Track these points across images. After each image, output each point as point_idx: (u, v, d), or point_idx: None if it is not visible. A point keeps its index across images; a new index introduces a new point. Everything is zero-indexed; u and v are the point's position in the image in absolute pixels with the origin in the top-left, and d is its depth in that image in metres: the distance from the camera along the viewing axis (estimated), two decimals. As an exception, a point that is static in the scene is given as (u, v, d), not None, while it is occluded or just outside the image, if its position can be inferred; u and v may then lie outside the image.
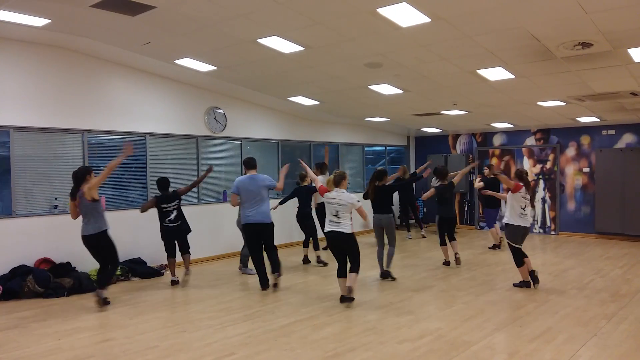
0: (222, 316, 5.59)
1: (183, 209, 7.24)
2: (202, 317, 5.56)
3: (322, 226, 9.41)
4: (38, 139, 7.03)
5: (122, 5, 5.31)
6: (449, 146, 13.82)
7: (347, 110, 10.99)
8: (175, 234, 7.06)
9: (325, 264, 8.41)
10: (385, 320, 5.43)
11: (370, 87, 8.44)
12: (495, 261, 8.49)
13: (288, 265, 8.43)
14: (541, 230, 12.13)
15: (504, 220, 6.80)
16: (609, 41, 5.68)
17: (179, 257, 7.17)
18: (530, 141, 12.35)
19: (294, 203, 8.73)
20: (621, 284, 6.91)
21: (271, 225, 6.74)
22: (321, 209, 8.81)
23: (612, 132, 11.18)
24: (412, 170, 13.76)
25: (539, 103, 9.22)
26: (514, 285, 6.79)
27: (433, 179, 12.08)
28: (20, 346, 4.70)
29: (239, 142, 9.74)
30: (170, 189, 7.12)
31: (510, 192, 6.68)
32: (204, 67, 7.61)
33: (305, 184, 8.52)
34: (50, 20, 5.92)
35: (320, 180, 7.11)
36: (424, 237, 11.61)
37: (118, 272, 7.28)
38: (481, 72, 7.22)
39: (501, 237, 10.24)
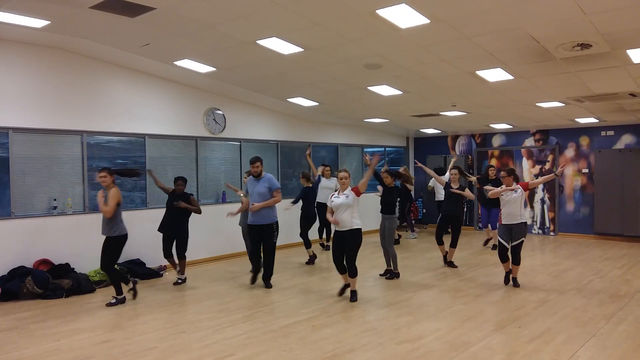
0: (221, 317, 5.59)
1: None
2: (201, 318, 5.56)
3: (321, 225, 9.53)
4: (37, 140, 7.02)
5: (121, 7, 5.31)
6: (448, 147, 13.83)
7: (346, 112, 11.00)
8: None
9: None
10: (385, 321, 5.43)
11: (369, 88, 8.44)
12: (495, 262, 8.48)
13: (287, 266, 8.44)
14: (540, 231, 12.14)
15: (522, 220, 6.77)
16: (608, 42, 5.68)
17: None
18: (529, 142, 12.36)
19: (298, 204, 8.88)
20: (620, 285, 6.91)
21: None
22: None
23: (611, 133, 11.20)
24: (411, 171, 13.79)
25: (538, 104, 9.23)
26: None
27: (432, 180, 12.16)
28: (19, 347, 4.69)
29: (238, 143, 9.74)
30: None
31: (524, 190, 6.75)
32: (203, 68, 7.62)
33: (310, 184, 8.68)
34: (49, 22, 5.92)
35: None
36: (414, 237, 11.67)
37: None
38: (480, 73, 7.23)
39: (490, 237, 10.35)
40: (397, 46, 6.23)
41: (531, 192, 12.21)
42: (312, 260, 8.61)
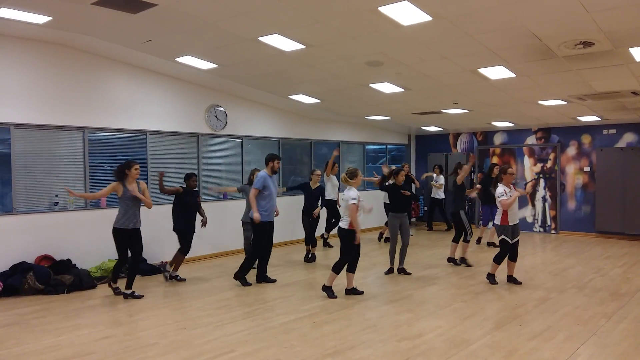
0: (222, 314, 5.60)
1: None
2: (202, 315, 5.57)
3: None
4: (39, 136, 7.03)
5: (123, 3, 5.31)
6: (450, 145, 13.82)
7: (347, 109, 10.99)
8: None
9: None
10: (385, 318, 5.44)
11: (371, 85, 8.43)
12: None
13: (288, 263, 8.45)
14: (541, 229, 12.13)
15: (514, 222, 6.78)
16: (610, 40, 5.67)
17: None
18: (531, 140, 12.35)
19: (300, 200, 8.82)
20: (621, 283, 6.91)
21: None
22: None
23: (613, 131, 11.18)
24: (413, 171, 13.81)
25: (540, 102, 9.22)
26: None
27: (434, 175, 12.19)
28: (20, 343, 4.71)
29: (240, 140, 9.74)
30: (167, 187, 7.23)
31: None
32: (205, 65, 7.61)
33: (311, 182, 8.63)
34: (51, 18, 5.92)
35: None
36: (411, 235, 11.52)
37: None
38: (482, 70, 7.22)
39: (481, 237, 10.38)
40: (399, 43, 6.22)
41: (533, 191, 12.22)
42: (312, 258, 8.60)
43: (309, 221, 8.66)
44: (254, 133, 9.97)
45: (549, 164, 12.05)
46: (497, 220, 6.78)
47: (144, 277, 7.43)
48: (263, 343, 4.64)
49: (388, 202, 8.24)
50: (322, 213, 9.13)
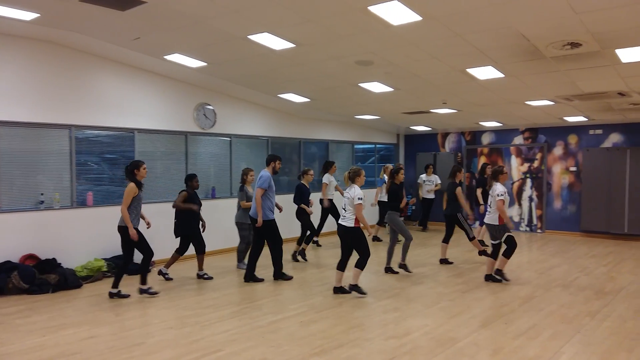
0: (209, 313, 5.58)
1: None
2: (189, 314, 5.54)
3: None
4: (25, 134, 6.94)
5: (111, 0, 5.26)
6: (438, 144, 13.89)
7: (337, 108, 11.00)
8: None
9: (300, 261, 8.55)
10: (372, 317, 5.46)
11: (360, 84, 8.44)
12: (482, 259, 8.54)
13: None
14: (527, 228, 12.25)
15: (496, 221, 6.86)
16: (597, 41, 5.73)
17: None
18: (518, 140, 12.45)
19: (290, 199, 8.82)
20: (605, 282, 7.00)
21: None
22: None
23: (599, 131, 11.31)
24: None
25: (527, 102, 9.29)
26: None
27: (424, 175, 12.25)
28: (4, 343, 4.65)
29: (229, 139, 9.70)
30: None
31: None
32: (193, 63, 7.57)
33: (304, 182, 8.58)
34: (39, 14, 5.84)
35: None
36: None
37: (104, 269, 7.26)
38: (471, 70, 7.26)
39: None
40: (389, 43, 6.23)
41: (519, 190, 12.33)
42: (303, 257, 8.60)
43: (308, 217, 8.64)
44: (243, 132, 9.94)
45: (535, 164, 12.17)
46: (494, 220, 6.83)
47: (130, 277, 7.36)
48: (250, 342, 4.64)
49: (385, 200, 8.23)
50: (316, 212, 9.17)
